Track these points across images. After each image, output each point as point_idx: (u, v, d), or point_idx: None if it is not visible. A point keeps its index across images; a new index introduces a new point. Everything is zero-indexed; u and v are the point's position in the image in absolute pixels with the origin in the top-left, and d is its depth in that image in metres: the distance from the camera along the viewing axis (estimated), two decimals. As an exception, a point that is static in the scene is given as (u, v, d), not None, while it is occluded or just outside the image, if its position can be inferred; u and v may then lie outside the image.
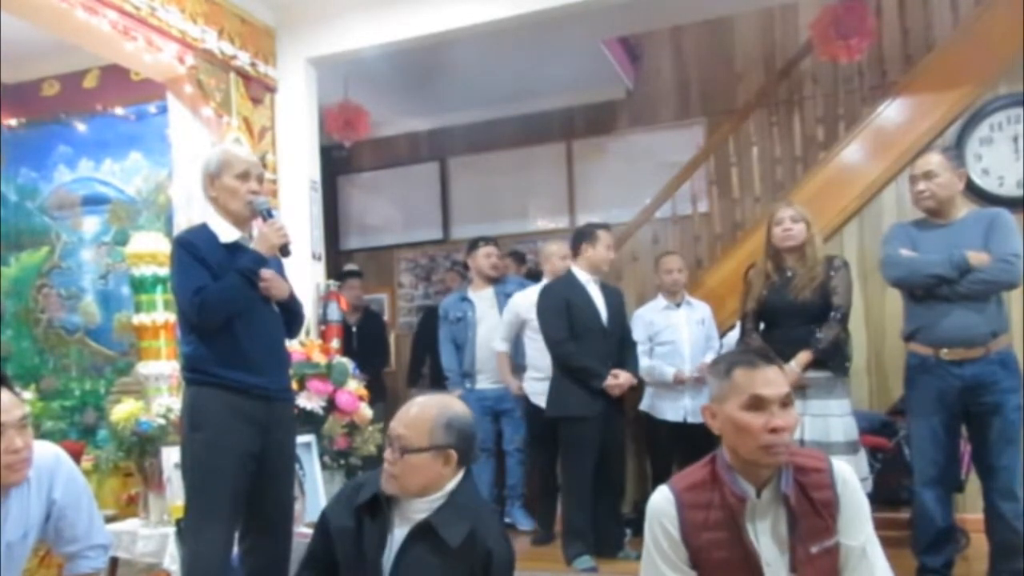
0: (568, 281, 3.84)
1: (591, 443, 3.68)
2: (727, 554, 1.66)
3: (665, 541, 1.69)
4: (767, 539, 1.67)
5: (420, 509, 1.83)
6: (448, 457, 1.82)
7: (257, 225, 2.53)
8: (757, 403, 1.64)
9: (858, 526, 1.69)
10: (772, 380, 1.66)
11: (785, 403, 1.65)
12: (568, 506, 3.78)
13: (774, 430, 1.61)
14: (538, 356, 4.20)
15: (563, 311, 3.75)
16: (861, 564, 1.67)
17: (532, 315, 4.22)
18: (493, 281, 4.62)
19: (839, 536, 1.67)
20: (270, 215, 2.50)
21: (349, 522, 1.87)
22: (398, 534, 1.84)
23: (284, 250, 2.48)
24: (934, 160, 3.01)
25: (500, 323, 4.42)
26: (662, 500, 1.73)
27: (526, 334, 4.34)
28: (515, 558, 1.86)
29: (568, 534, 3.72)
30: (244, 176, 2.47)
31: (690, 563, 1.69)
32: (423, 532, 1.80)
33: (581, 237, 3.88)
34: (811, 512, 1.66)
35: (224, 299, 2.34)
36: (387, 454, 1.84)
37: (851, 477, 1.72)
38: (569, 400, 3.72)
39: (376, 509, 1.87)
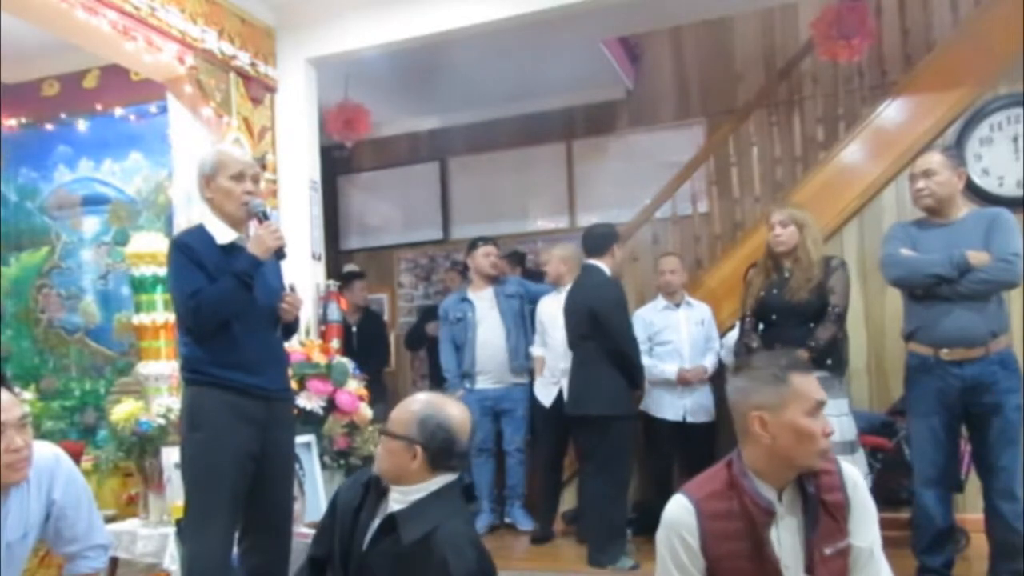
0: (616, 280, 3.88)
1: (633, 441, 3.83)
2: (748, 564, 1.64)
3: (684, 553, 1.66)
4: (788, 543, 1.65)
5: (396, 500, 1.86)
6: (414, 452, 1.84)
7: (253, 227, 2.53)
8: (817, 409, 1.65)
9: (867, 527, 1.70)
10: (819, 386, 1.70)
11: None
12: (612, 507, 3.72)
13: (828, 434, 1.64)
14: (551, 357, 4.27)
15: (627, 309, 3.85)
16: (870, 565, 1.68)
17: (544, 318, 4.33)
18: (493, 281, 4.63)
19: (850, 538, 1.67)
20: (266, 217, 2.49)
21: (354, 501, 1.92)
22: (377, 522, 1.88)
23: (279, 253, 2.48)
24: (933, 159, 3.01)
25: (537, 331, 4.48)
26: (680, 510, 1.69)
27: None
28: (486, 574, 1.81)
29: (611, 535, 3.67)
30: (239, 177, 2.46)
31: (706, 574, 1.67)
32: (391, 524, 1.83)
33: (612, 238, 3.92)
34: (824, 514, 1.66)
35: (219, 303, 2.34)
36: None
37: (859, 479, 1.73)
38: (626, 400, 3.77)
39: (373, 493, 1.92)
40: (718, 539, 1.64)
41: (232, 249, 2.44)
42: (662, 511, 1.74)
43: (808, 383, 1.67)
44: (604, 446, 3.73)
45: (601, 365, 3.73)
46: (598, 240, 3.91)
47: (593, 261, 3.89)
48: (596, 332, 3.73)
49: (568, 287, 4.10)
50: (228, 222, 2.47)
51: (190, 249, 2.39)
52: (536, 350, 4.46)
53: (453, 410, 1.90)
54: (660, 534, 1.71)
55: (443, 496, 1.85)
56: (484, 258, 4.58)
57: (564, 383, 4.08)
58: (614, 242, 3.90)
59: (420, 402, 1.91)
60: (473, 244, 4.68)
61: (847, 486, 1.69)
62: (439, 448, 1.84)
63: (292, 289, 2.61)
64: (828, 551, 1.64)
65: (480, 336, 4.53)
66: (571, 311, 3.90)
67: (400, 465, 1.85)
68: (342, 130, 5.01)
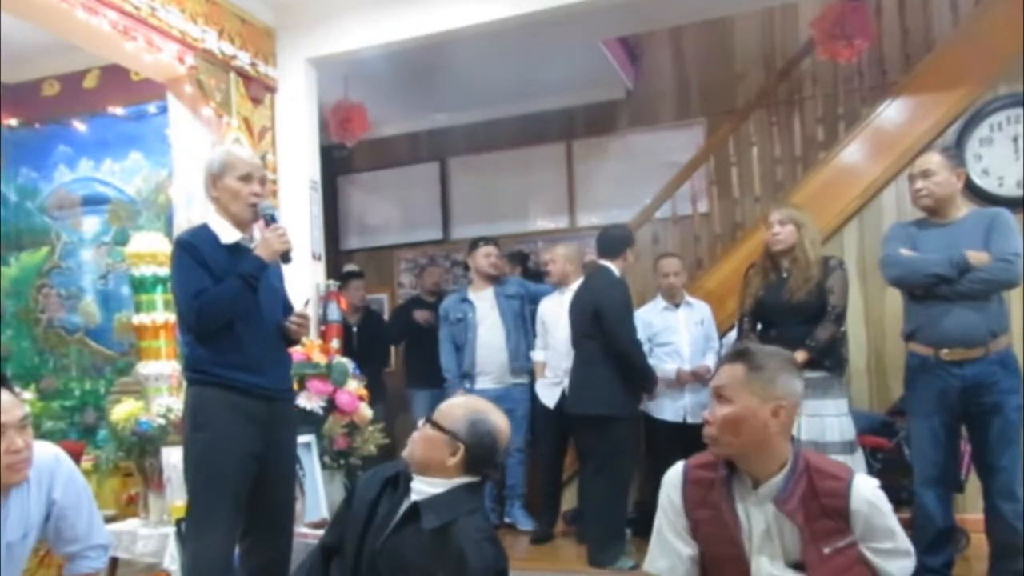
0: (624, 282, 3.87)
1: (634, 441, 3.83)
2: (715, 531, 1.75)
3: (671, 509, 1.83)
4: (759, 526, 1.72)
5: (417, 492, 1.89)
6: (456, 449, 1.88)
7: (260, 229, 2.54)
8: None
9: (885, 536, 1.70)
10: None
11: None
12: (612, 507, 3.73)
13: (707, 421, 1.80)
14: (554, 357, 4.26)
15: (632, 311, 3.83)
16: (893, 558, 1.71)
17: (547, 318, 4.31)
18: (493, 281, 4.63)
19: (861, 542, 1.68)
20: (274, 220, 2.50)
21: (371, 493, 1.96)
22: (400, 513, 1.91)
23: (285, 257, 2.49)
24: (932, 159, 3.01)
25: (538, 332, 4.46)
26: (674, 471, 1.87)
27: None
28: (501, 570, 1.83)
29: (611, 535, 3.68)
30: (247, 178, 2.47)
31: (691, 535, 1.80)
32: (414, 513, 1.87)
33: (627, 241, 3.90)
34: (820, 514, 1.68)
35: (224, 303, 2.35)
36: None
37: (872, 496, 1.70)
38: (627, 400, 3.76)
39: (397, 485, 1.96)
40: (695, 504, 1.79)
41: (236, 249, 2.45)
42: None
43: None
44: (604, 446, 3.73)
45: (602, 365, 3.72)
46: (613, 242, 3.89)
47: (604, 262, 3.89)
48: (600, 332, 3.73)
49: (572, 287, 4.11)
50: (233, 222, 2.48)
51: (194, 249, 2.39)
52: (537, 354, 4.44)
53: (500, 421, 1.95)
54: (660, 492, 1.88)
55: (464, 493, 1.89)
56: (484, 258, 4.58)
57: (567, 383, 4.08)
58: (628, 246, 3.89)
59: (471, 406, 1.96)
60: (474, 244, 4.68)
61: (851, 497, 1.68)
62: (481, 453, 1.90)
63: (306, 303, 2.67)
64: (827, 550, 1.67)
65: (480, 337, 4.52)
66: (576, 310, 3.90)
67: (436, 457, 1.89)
68: (340, 130, 5.01)
